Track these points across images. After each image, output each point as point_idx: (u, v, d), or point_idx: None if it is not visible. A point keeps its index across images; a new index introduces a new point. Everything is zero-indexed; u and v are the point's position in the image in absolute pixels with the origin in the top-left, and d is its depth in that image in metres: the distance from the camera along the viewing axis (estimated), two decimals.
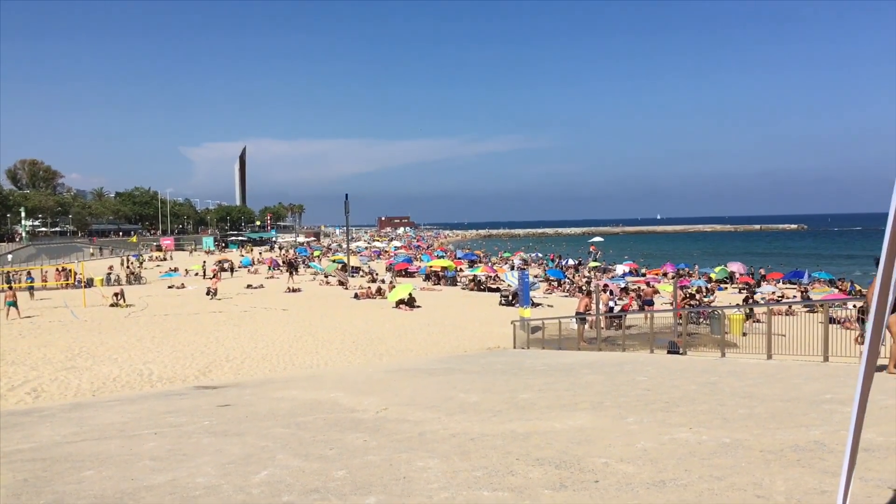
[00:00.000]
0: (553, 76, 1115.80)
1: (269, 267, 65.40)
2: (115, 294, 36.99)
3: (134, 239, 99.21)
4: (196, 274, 58.74)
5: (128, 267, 60.01)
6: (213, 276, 47.00)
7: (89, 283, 44.57)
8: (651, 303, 31.77)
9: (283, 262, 67.73)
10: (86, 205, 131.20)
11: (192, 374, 18.83)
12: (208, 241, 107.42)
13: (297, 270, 63.53)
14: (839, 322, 21.36)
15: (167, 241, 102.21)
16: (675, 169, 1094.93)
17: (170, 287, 48.17)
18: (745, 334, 22.06)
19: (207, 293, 40.64)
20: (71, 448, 6.99)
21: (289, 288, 46.85)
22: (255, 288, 47.60)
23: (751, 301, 34.79)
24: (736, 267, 57.00)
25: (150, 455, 6.36)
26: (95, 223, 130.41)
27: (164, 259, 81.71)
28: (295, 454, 6.10)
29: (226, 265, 61.03)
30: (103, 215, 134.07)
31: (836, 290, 42.96)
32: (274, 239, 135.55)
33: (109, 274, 52.44)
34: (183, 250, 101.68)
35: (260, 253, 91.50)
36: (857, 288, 44.71)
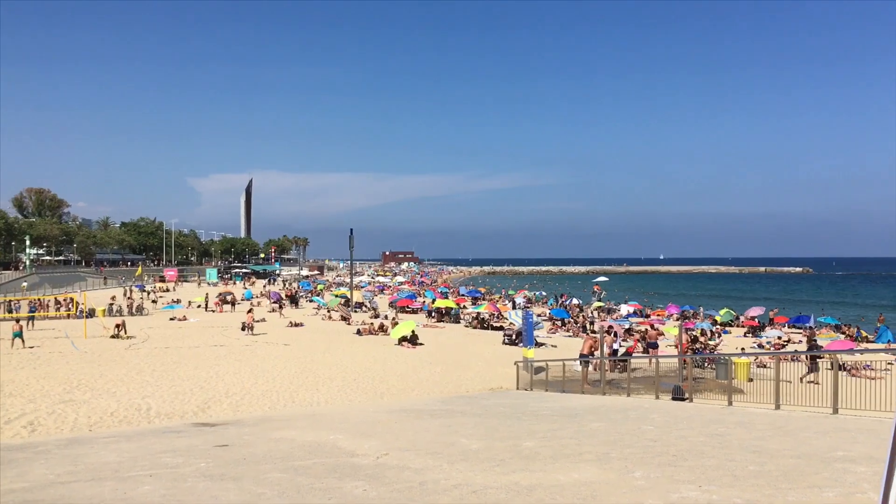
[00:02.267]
0: (560, 114, 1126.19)
1: (285, 299, 64.24)
2: (117, 325, 36.81)
3: (139, 271, 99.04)
4: (198, 306, 58.57)
5: (130, 298, 59.89)
6: (249, 311, 46.46)
7: (90, 314, 44.41)
8: (655, 345, 31.53)
9: (286, 296, 67.69)
10: (90, 234, 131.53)
11: (190, 409, 18.62)
12: (212, 273, 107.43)
13: (296, 304, 63.37)
14: (847, 370, 21.13)
15: (171, 272, 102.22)
16: (678, 209, 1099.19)
17: (172, 319, 48.00)
18: (751, 380, 21.82)
19: (243, 328, 40.38)
20: (64, 490, 6.81)
21: (291, 322, 46.66)
22: (257, 322, 47.36)
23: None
24: (756, 311, 56.49)
25: (143, 501, 6.20)
26: (100, 252, 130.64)
27: (167, 290, 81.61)
28: (292, 503, 5.93)
29: (228, 297, 60.84)
30: (108, 245, 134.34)
31: (843, 336, 42.61)
32: (277, 272, 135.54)
33: (111, 304, 52.33)
34: (187, 281, 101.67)
35: (264, 286, 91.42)
36: (864, 334, 44.39)
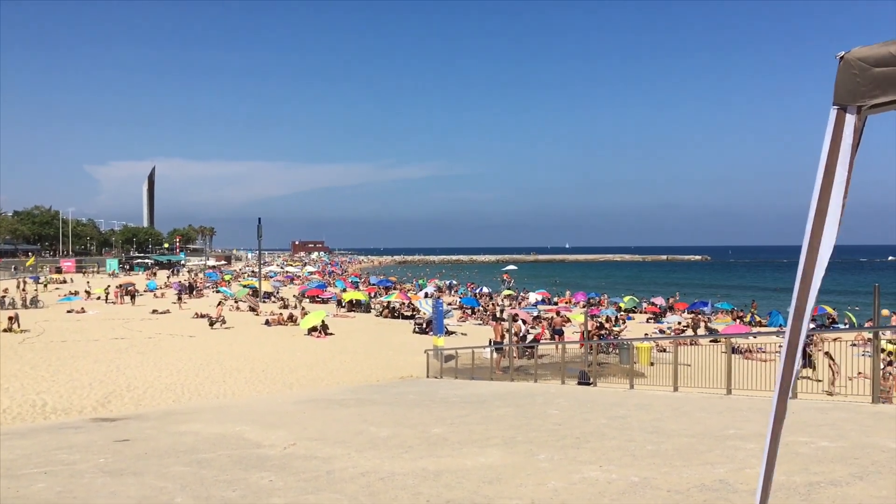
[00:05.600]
0: (469, 104, 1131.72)
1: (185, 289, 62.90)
2: (9, 318, 35.11)
3: (31, 261, 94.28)
4: (98, 298, 56.45)
5: (24, 290, 57.19)
6: (218, 304, 44.62)
7: None
8: (561, 332, 32.21)
9: (187, 286, 65.93)
10: None
11: (89, 404, 18.01)
12: (112, 264, 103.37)
13: (191, 292, 61.98)
14: (741, 352, 22.15)
15: (68, 263, 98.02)
16: (583, 200, 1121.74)
17: (69, 312, 46.07)
18: (652, 364, 22.60)
19: (211, 324, 38.97)
20: None
21: (196, 313, 45.51)
22: (161, 313, 46.05)
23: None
24: (659, 300, 58.49)
25: (37, 498, 5.98)
26: None
27: (64, 282, 78.24)
28: (195, 497, 5.83)
29: (129, 289, 58.81)
30: None
31: (738, 321, 44.57)
32: (182, 262, 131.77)
33: (3, 297, 49.82)
34: (88, 271, 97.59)
35: (168, 277, 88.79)
36: (758, 319, 46.59)
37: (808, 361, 20.81)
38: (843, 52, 2.58)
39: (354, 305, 54.68)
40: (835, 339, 22.68)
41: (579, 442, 7.92)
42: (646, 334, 35.21)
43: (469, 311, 52.49)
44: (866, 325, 32.06)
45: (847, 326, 38.02)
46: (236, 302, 54.96)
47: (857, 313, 43.46)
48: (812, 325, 38.03)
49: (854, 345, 22.67)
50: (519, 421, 10.37)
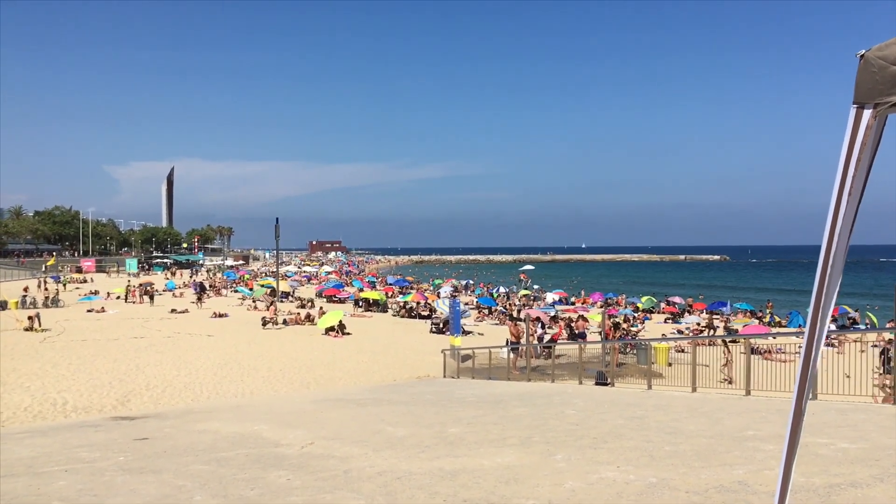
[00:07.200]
0: (484, 104, 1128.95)
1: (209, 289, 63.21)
2: (31, 317, 35.47)
3: (52, 261, 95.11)
4: (118, 297, 56.87)
5: (45, 289, 57.75)
6: (271, 304, 45.10)
7: (2, 306, 42.69)
8: (584, 335, 32.07)
9: (210, 286, 66.32)
10: (1, 223, 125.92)
11: (109, 403, 18.14)
12: (132, 263, 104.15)
13: (204, 291, 62.20)
14: (761, 353, 21.97)
15: (88, 263, 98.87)
16: (599, 199, 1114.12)
17: (89, 311, 46.48)
18: (670, 364, 22.46)
19: (263, 324, 39.36)
20: None
21: (215, 313, 45.79)
22: (180, 313, 46.34)
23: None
24: (677, 299, 58.27)
25: (58, 495, 6.04)
26: (12, 242, 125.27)
27: (84, 281, 78.95)
28: (214, 495, 5.86)
29: (149, 288, 59.22)
30: (20, 234, 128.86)
31: (757, 321, 44.24)
32: (201, 262, 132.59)
33: (25, 296, 50.33)
34: (109, 272, 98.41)
35: (190, 276, 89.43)
36: (777, 319, 46.21)
37: (888, 368, 19.68)
38: (864, 51, 2.55)
39: (371, 305, 54.79)
40: (855, 340, 22.41)
41: (597, 442, 7.89)
42: (663, 334, 35.01)
43: (486, 311, 52.44)
44: (888, 325, 31.71)
45: (868, 327, 37.62)
46: (254, 302, 55.26)
47: (879, 314, 42.99)
48: (832, 326, 37.75)
49: (875, 345, 22.42)
50: (536, 421, 10.35)
